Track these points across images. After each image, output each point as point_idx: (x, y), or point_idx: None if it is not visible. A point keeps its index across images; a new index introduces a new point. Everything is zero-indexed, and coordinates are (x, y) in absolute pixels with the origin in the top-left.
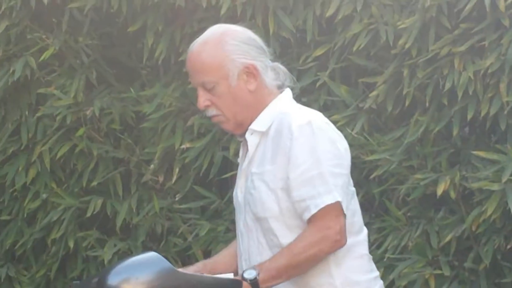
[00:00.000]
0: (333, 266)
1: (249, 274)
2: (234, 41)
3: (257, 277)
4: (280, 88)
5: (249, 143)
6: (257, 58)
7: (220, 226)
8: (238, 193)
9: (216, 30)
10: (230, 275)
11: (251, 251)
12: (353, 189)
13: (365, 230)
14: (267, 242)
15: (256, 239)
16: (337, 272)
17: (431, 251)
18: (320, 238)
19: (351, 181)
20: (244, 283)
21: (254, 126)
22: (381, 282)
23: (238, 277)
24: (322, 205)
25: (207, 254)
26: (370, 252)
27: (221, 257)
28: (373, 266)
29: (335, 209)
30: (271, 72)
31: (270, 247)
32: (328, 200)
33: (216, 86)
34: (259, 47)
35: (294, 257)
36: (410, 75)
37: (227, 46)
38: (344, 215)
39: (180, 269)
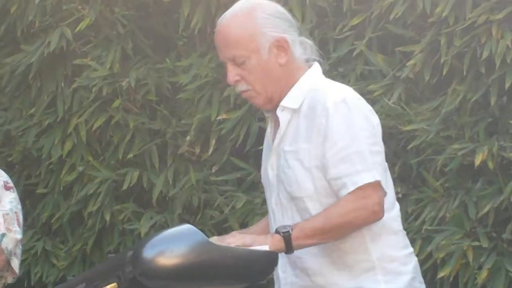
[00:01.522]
0: (369, 242)
1: (283, 228)
2: (264, 14)
3: (290, 233)
4: (308, 62)
5: (281, 120)
6: (287, 31)
7: (257, 198)
8: (269, 170)
9: (245, 3)
10: (266, 247)
11: None
12: (386, 164)
13: (397, 206)
14: (302, 220)
15: (291, 217)
16: (374, 248)
17: (469, 222)
18: (358, 206)
19: (384, 155)
20: (277, 236)
21: (285, 102)
22: (416, 258)
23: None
24: (361, 183)
25: (244, 227)
26: (408, 224)
27: (258, 228)
28: (408, 242)
29: (376, 186)
30: (299, 46)
31: None
32: (367, 178)
33: (247, 60)
34: (289, 20)
35: (329, 221)
36: (447, 43)
37: (258, 19)
38: (384, 192)
39: (214, 238)
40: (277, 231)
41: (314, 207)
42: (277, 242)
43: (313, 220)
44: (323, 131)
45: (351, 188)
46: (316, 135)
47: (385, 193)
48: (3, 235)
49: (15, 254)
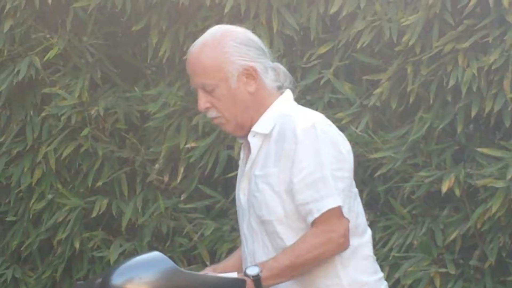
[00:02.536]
0: (339, 267)
1: (252, 271)
2: (233, 42)
3: (260, 274)
4: (280, 88)
5: (251, 145)
6: (257, 59)
7: (226, 225)
8: (241, 195)
9: (215, 31)
10: (234, 274)
11: (257, 253)
12: (356, 190)
13: (369, 231)
14: (272, 245)
15: (262, 241)
16: (344, 273)
17: (436, 249)
18: (324, 240)
19: (354, 182)
20: (247, 280)
21: (257, 128)
22: (386, 283)
23: (241, 274)
24: (324, 209)
25: (212, 254)
26: (376, 251)
27: (231, 261)
28: (378, 267)
29: (337, 212)
30: (271, 72)
31: (276, 249)
32: (330, 204)
33: (216, 88)
34: (259, 48)
35: (297, 258)
36: (414, 72)
37: (226, 48)
38: (347, 218)
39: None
40: (246, 274)
41: (284, 231)
42: (247, 285)
43: (280, 259)
44: (292, 156)
45: (316, 215)
46: (285, 160)
47: (348, 220)
48: None
49: None
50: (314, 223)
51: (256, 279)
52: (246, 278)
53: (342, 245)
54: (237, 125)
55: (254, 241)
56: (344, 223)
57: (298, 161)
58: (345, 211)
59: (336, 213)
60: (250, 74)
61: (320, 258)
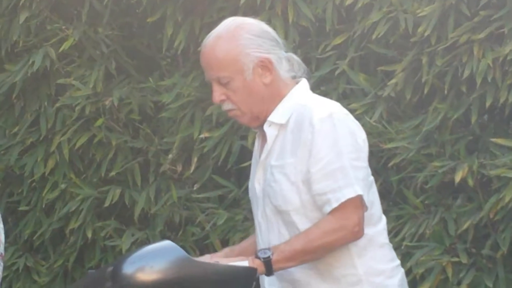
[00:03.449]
0: (355, 257)
1: (264, 254)
2: (248, 34)
3: (271, 257)
4: (295, 78)
5: (268, 135)
6: (271, 51)
7: (238, 215)
8: (256, 185)
9: (229, 24)
10: (245, 263)
11: (272, 242)
12: (372, 178)
13: (383, 219)
14: (289, 234)
15: (278, 230)
16: (360, 263)
17: (448, 238)
18: (338, 227)
19: (369, 171)
20: (258, 262)
21: (273, 118)
22: (403, 270)
23: (252, 257)
24: (343, 199)
25: (225, 243)
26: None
27: (241, 247)
28: (394, 254)
29: (356, 202)
30: (286, 63)
31: None
32: (349, 193)
33: (231, 81)
34: (273, 39)
35: (309, 243)
36: (429, 63)
37: (241, 40)
38: (365, 207)
39: (195, 258)
40: (257, 256)
41: (300, 221)
42: (257, 266)
43: (293, 242)
44: (309, 146)
45: (335, 205)
46: (302, 150)
47: (365, 209)
48: None
49: None
50: (331, 212)
51: (267, 261)
52: (256, 260)
53: (356, 233)
54: (252, 117)
55: (269, 230)
56: (360, 212)
57: (316, 151)
58: (365, 198)
59: (354, 202)
60: (265, 65)
61: (333, 245)
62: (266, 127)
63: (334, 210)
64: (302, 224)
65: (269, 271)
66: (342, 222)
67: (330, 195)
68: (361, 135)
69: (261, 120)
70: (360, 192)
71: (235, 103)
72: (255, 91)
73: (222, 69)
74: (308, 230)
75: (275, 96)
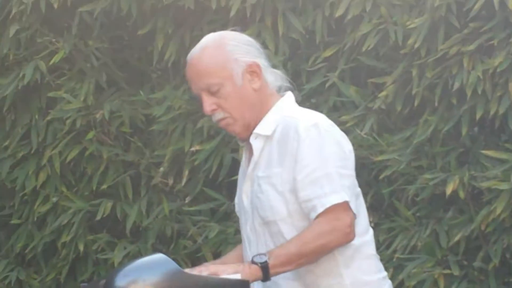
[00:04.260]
0: (342, 267)
1: (260, 259)
2: (234, 41)
3: (268, 262)
4: (280, 90)
5: (254, 147)
6: (258, 57)
7: (230, 228)
8: (244, 198)
9: (213, 35)
10: (238, 276)
11: None
12: (359, 189)
13: (370, 231)
14: (275, 245)
15: (264, 242)
16: (347, 273)
17: (440, 250)
18: (331, 229)
19: (356, 181)
20: (254, 266)
21: (258, 130)
22: (390, 282)
23: (248, 263)
24: (329, 205)
25: (216, 256)
26: (380, 253)
27: (229, 258)
28: (381, 266)
29: (344, 206)
30: (270, 74)
31: None
32: (335, 199)
33: (221, 87)
34: (258, 48)
35: (304, 246)
36: (419, 75)
37: (228, 47)
38: (354, 214)
39: (187, 270)
40: (253, 262)
41: (288, 231)
42: (254, 271)
43: (287, 246)
44: (295, 154)
45: (320, 210)
46: (288, 159)
47: (355, 215)
48: None
49: None
50: (319, 216)
51: (264, 266)
52: (253, 265)
53: (348, 235)
54: (244, 125)
55: (258, 243)
56: (350, 214)
57: (301, 159)
58: (352, 206)
59: (342, 207)
60: (253, 71)
61: (326, 246)
62: (252, 140)
63: (325, 213)
64: (290, 234)
65: (266, 276)
66: (334, 223)
67: (316, 201)
68: (347, 145)
69: (250, 130)
70: (346, 199)
71: (227, 110)
72: (246, 97)
73: (211, 76)
74: (302, 233)
75: (263, 104)
